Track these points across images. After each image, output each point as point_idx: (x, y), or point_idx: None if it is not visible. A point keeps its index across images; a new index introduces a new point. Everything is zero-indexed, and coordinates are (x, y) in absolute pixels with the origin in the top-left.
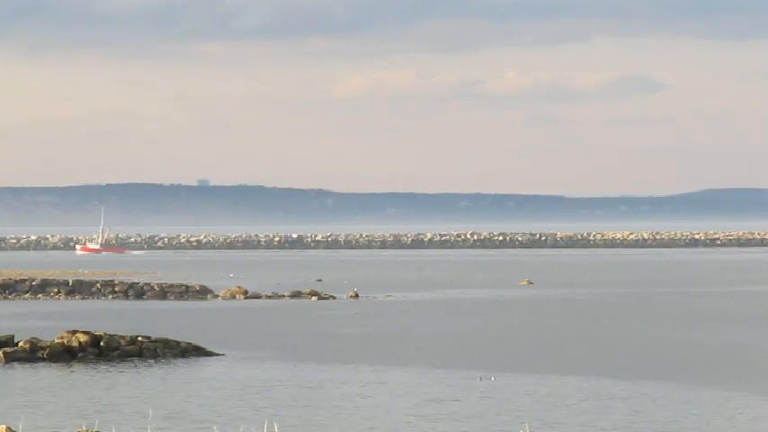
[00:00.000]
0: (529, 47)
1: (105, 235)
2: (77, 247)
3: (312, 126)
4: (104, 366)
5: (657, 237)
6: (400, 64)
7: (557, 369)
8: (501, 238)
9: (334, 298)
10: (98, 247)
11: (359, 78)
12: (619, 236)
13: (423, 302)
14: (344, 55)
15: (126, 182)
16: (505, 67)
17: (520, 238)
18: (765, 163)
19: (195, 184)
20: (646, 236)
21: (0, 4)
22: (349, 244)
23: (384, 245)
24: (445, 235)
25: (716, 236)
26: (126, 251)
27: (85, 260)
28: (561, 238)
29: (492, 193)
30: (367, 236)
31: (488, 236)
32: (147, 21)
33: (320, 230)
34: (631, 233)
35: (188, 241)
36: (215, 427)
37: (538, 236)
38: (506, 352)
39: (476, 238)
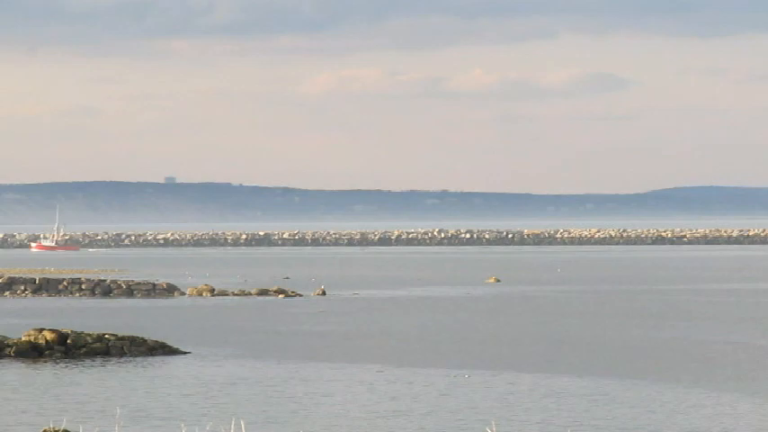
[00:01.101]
0: (496, 44)
1: (60, 232)
2: (32, 244)
3: (279, 123)
4: (71, 364)
5: (624, 234)
6: (367, 61)
7: (519, 367)
8: (468, 235)
9: (300, 295)
10: (53, 244)
11: (326, 76)
12: (586, 233)
13: (389, 300)
14: (312, 52)
15: (93, 179)
16: (472, 64)
17: (487, 236)
18: (731, 160)
19: (162, 182)
20: (612, 233)
21: None
22: (316, 241)
23: (351, 242)
24: (412, 232)
25: (682, 233)
26: (80, 248)
27: (42, 257)
28: (528, 235)
29: (459, 190)
30: (334, 233)
31: (456, 233)
32: (114, 18)
33: (287, 228)
34: (598, 231)
35: (155, 239)
36: (182, 425)
37: (505, 233)
38: (471, 350)
39: (443, 235)
